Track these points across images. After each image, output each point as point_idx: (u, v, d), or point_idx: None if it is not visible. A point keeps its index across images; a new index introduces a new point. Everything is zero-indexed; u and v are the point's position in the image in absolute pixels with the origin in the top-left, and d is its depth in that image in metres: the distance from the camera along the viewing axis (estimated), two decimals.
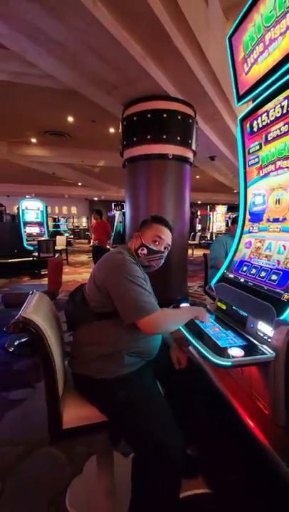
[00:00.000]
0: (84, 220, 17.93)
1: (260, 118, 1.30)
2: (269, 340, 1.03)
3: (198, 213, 15.22)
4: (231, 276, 1.45)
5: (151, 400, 0.97)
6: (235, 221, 2.64)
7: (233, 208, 15.45)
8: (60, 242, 8.37)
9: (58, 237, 8.41)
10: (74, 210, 17.88)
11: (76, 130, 5.97)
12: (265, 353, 0.98)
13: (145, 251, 1.16)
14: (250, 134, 1.39)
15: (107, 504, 1.13)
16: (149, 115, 3.11)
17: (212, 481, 1.21)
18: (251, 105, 1.34)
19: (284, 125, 1.15)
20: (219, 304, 1.49)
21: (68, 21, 2.05)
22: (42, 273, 6.23)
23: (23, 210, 7.19)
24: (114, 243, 6.95)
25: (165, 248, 1.21)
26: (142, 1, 1.98)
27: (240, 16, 1.31)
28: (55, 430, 0.96)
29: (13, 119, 5.40)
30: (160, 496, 0.86)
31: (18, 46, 2.48)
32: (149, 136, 3.13)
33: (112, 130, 5.78)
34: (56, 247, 6.98)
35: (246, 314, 1.22)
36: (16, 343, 2.71)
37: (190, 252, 9.06)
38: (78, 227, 17.65)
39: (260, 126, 1.30)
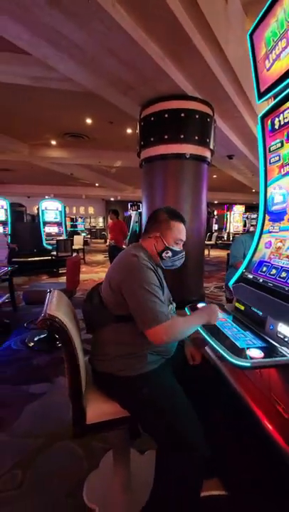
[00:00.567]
0: (100, 220, 18.19)
1: (281, 115, 1.26)
2: None
3: (215, 213, 14.99)
4: (250, 276, 1.42)
5: (175, 396, 0.99)
6: None
7: (251, 207, 15.09)
8: (78, 241, 8.55)
9: (75, 237, 8.60)
10: (91, 210, 18.18)
11: (94, 131, 6.07)
12: (286, 355, 0.96)
13: (170, 253, 1.15)
14: (272, 131, 1.36)
15: (123, 498, 1.15)
16: (166, 115, 3.11)
17: (228, 482, 1.19)
18: (272, 102, 1.31)
19: None
20: (237, 304, 1.47)
21: (88, 25, 2.09)
22: (60, 272, 6.40)
23: (42, 211, 7.41)
24: (130, 243, 7.00)
25: (183, 245, 1.22)
26: (161, 1, 1.98)
27: (263, 11, 1.28)
28: (80, 425, 0.98)
29: (34, 123, 5.58)
30: (181, 492, 0.87)
31: (40, 51, 2.56)
32: (166, 136, 3.13)
33: (129, 131, 5.83)
34: (74, 247, 7.14)
35: (265, 315, 1.20)
36: (35, 339, 2.81)
37: (206, 252, 8.95)
38: (95, 227, 17.93)
39: (282, 123, 1.27)
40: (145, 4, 2.04)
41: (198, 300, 1.43)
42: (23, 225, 7.61)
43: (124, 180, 11.57)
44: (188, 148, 3.15)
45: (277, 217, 1.35)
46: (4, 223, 6.56)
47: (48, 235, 7.27)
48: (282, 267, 1.24)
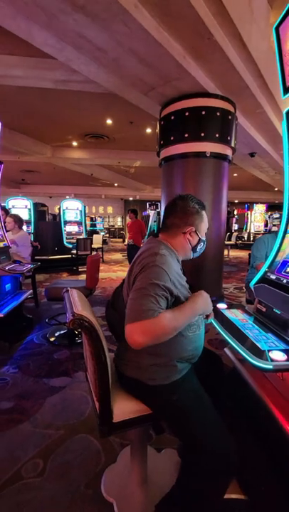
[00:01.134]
0: (119, 219, 18.38)
1: None
2: None
3: (235, 213, 14.64)
4: (273, 277, 1.38)
5: (202, 401, 0.98)
6: None
7: (273, 206, 14.57)
8: (97, 240, 8.70)
9: (94, 236, 8.76)
10: (110, 209, 18.42)
11: (114, 132, 6.15)
12: None
13: (202, 245, 1.11)
14: None
15: (140, 493, 1.16)
16: (187, 113, 3.09)
17: (247, 487, 1.17)
18: None
19: None
20: (259, 305, 1.43)
21: (110, 27, 2.12)
22: (79, 270, 6.55)
23: (63, 210, 7.61)
24: None
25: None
26: None
27: None
28: (107, 424, 0.97)
29: (57, 125, 5.75)
30: (202, 497, 0.87)
31: (63, 55, 2.64)
32: (186, 135, 3.10)
33: (148, 130, 5.85)
34: (93, 246, 7.28)
35: None
36: (56, 334, 2.90)
37: (225, 252, 8.77)
38: (113, 226, 18.15)
39: None
40: (167, 2, 2.04)
41: (217, 300, 1.41)
42: (45, 224, 7.87)
43: (142, 180, 11.62)
44: (209, 147, 3.11)
45: None
46: (28, 222, 6.82)
47: (69, 233, 7.47)
48: None
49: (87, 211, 8.79)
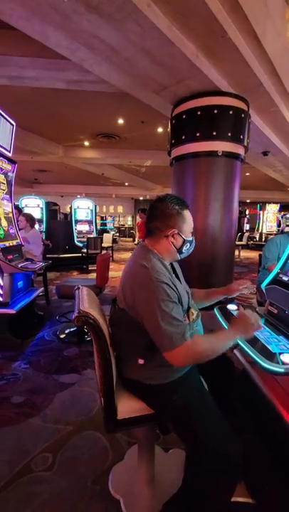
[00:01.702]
0: (129, 218, 18.43)
1: None
2: None
3: (247, 212, 14.41)
4: (285, 278, 1.35)
5: (203, 401, 0.97)
6: None
7: (286, 206, 14.26)
8: (107, 239, 8.76)
9: (104, 235, 8.82)
10: (120, 209, 18.50)
11: (125, 131, 6.17)
12: None
13: (188, 245, 1.09)
14: None
15: (147, 493, 1.17)
16: (199, 112, 3.06)
17: (254, 491, 1.15)
18: None
19: None
20: (270, 307, 1.41)
21: (123, 27, 2.12)
22: (89, 268, 6.62)
23: (74, 209, 7.71)
24: None
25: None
26: None
27: None
28: (112, 420, 0.99)
29: (69, 125, 5.82)
30: (207, 497, 0.87)
31: (76, 56, 2.66)
32: (198, 134, 3.07)
33: (160, 130, 5.83)
34: (103, 245, 7.33)
35: None
36: (66, 332, 2.94)
37: (236, 253, 8.65)
38: (123, 225, 18.22)
39: None
40: (181, 1, 2.02)
41: (228, 301, 1.39)
42: (56, 223, 7.99)
43: (153, 180, 11.60)
44: (221, 146, 3.07)
45: None
46: (40, 221, 6.94)
47: (79, 232, 7.55)
48: None
49: (97, 210, 8.86)
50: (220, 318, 1.33)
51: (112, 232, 12.45)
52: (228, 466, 0.86)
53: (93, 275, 3.18)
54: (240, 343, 1.06)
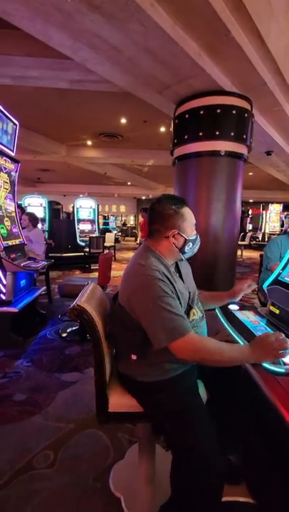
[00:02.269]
0: (131, 218, 18.44)
1: None
2: None
3: (250, 212, 14.36)
4: (287, 279, 1.35)
5: (190, 407, 0.95)
6: None
7: None
8: (109, 239, 8.77)
9: (107, 235, 8.84)
10: (122, 208, 18.51)
11: (128, 131, 6.17)
12: None
13: (191, 244, 1.06)
14: None
15: (147, 491, 1.18)
16: (201, 112, 3.05)
17: (256, 492, 1.16)
18: None
19: None
20: (272, 307, 1.40)
21: (126, 27, 2.13)
22: (92, 268, 6.63)
23: (77, 209, 7.72)
24: None
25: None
26: None
27: None
28: (103, 412, 1.04)
29: (72, 124, 5.83)
30: (195, 501, 0.86)
31: (79, 55, 2.66)
32: (201, 133, 3.07)
33: (162, 129, 5.83)
34: (105, 244, 7.35)
35: None
36: (68, 330, 2.96)
37: (239, 253, 8.62)
38: (126, 225, 18.23)
39: None
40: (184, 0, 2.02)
41: (230, 302, 1.39)
42: (59, 222, 8.01)
43: (155, 179, 11.59)
44: (224, 145, 3.07)
45: None
46: (43, 220, 6.98)
47: (82, 232, 7.57)
48: None
49: (100, 210, 8.88)
50: (221, 319, 1.33)
51: (115, 232, 12.48)
52: (208, 479, 0.83)
53: (95, 274, 3.19)
54: (239, 342, 1.06)
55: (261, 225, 12.82)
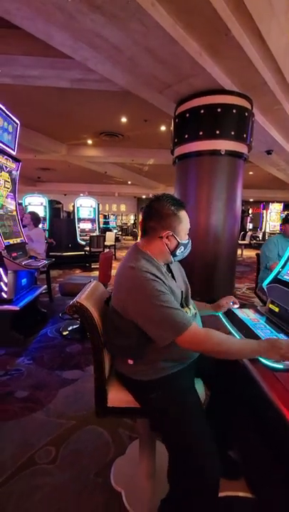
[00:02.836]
0: (132, 217, 18.45)
1: None
2: None
3: (250, 211, 14.36)
4: (287, 277, 1.36)
5: (184, 406, 0.95)
6: (287, 220, 2.47)
7: None
8: (110, 238, 8.78)
9: (107, 234, 8.84)
10: (123, 207, 18.51)
11: (128, 130, 6.17)
12: None
13: (183, 248, 1.06)
14: None
15: (148, 485, 1.19)
16: (202, 111, 3.06)
17: (254, 487, 1.17)
18: None
19: None
20: (271, 306, 1.42)
21: (127, 26, 2.13)
22: (92, 266, 6.64)
23: (77, 208, 7.73)
24: None
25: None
26: None
27: None
28: (101, 406, 1.06)
29: (72, 123, 5.84)
30: (194, 496, 0.86)
31: (80, 55, 2.67)
32: (201, 133, 3.08)
33: (163, 128, 5.83)
34: (105, 243, 7.36)
35: None
36: (69, 329, 2.97)
37: (239, 252, 8.63)
38: (126, 224, 18.24)
39: None
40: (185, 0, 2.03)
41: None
42: (59, 221, 8.02)
43: (156, 178, 11.60)
44: (224, 144, 3.08)
45: None
46: (43, 219, 6.98)
47: (82, 231, 7.58)
48: None
49: (100, 209, 8.89)
50: (221, 316, 1.34)
51: (115, 231, 12.48)
52: (205, 478, 0.83)
53: (95, 273, 3.21)
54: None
55: (261, 224, 12.82)
